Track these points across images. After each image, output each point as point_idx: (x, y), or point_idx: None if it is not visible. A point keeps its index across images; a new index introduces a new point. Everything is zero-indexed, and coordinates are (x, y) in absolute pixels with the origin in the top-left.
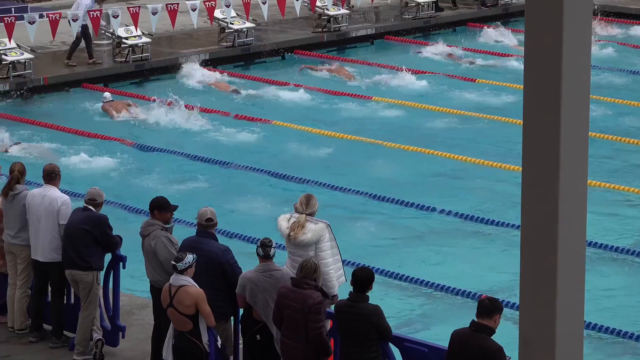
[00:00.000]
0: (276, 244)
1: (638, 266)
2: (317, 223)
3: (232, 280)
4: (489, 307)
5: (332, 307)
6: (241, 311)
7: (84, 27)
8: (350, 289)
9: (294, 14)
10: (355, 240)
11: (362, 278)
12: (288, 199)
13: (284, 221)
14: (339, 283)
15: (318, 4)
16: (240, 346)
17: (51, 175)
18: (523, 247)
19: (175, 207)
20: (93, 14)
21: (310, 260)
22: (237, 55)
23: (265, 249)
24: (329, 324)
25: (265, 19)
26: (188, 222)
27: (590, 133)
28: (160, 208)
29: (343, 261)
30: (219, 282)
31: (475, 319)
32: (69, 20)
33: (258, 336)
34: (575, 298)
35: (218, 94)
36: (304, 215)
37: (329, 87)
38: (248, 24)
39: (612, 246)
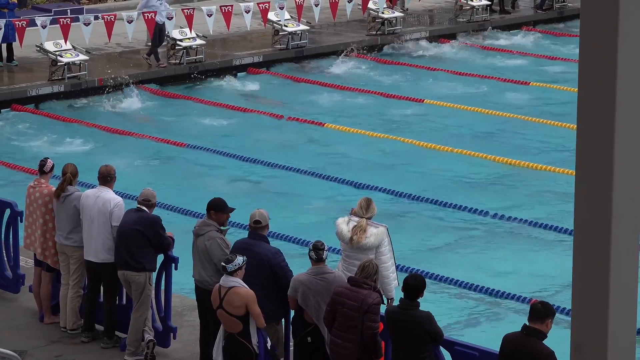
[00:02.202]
0: (328, 247)
1: None
2: (378, 227)
3: (283, 283)
4: (541, 311)
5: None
6: (292, 313)
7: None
8: (401, 294)
9: (346, 17)
10: (406, 243)
11: (413, 286)
12: (337, 200)
13: (344, 225)
14: (394, 286)
15: (372, 6)
16: (291, 348)
17: (107, 178)
18: (575, 250)
19: (231, 210)
20: (148, 16)
21: (372, 262)
22: (291, 58)
23: (317, 252)
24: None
25: (317, 21)
26: (241, 225)
27: None
28: (217, 209)
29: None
30: (270, 285)
31: (527, 323)
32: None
33: (309, 338)
34: (628, 302)
35: (272, 96)
36: (364, 219)
37: (381, 90)
38: (302, 27)
39: None
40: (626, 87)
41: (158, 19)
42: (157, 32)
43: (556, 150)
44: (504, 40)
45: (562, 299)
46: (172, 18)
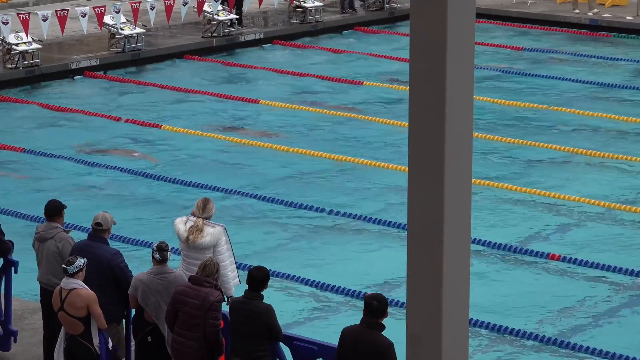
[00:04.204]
0: (171, 248)
1: (521, 263)
2: (215, 227)
3: (124, 284)
4: (377, 304)
5: (225, 305)
6: (133, 312)
7: None
8: (246, 287)
9: (181, 20)
10: (245, 242)
11: (258, 277)
12: (177, 200)
13: (182, 224)
14: (234, 284)
15: (207, 9)
16: (132, 348)
17: None
18: (410, 245)
19: (65, 206)
20: None
21: (212, 261)
22: (127, 61)
23: (162, 253)
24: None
25: (152, 24)
26: (83, 228)
27: (474, 133)
28: (62, 208)
29: (236, 263)
30: (110, 286)
31: (365, 316)
32: None
33: (149, 338)
34: (461, 295)
35: (110, 99)
36: (201, 219)
37: (217, 91)
38: (138, 30)
39: (496, 243)
40: (455, 84)
41: None
42: None
43: (389, 147)
44: (337, 40)
45: (399, 292)
46: (7, 23)
